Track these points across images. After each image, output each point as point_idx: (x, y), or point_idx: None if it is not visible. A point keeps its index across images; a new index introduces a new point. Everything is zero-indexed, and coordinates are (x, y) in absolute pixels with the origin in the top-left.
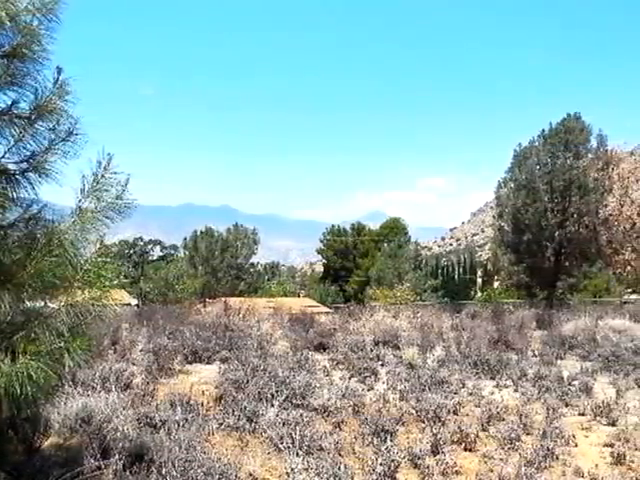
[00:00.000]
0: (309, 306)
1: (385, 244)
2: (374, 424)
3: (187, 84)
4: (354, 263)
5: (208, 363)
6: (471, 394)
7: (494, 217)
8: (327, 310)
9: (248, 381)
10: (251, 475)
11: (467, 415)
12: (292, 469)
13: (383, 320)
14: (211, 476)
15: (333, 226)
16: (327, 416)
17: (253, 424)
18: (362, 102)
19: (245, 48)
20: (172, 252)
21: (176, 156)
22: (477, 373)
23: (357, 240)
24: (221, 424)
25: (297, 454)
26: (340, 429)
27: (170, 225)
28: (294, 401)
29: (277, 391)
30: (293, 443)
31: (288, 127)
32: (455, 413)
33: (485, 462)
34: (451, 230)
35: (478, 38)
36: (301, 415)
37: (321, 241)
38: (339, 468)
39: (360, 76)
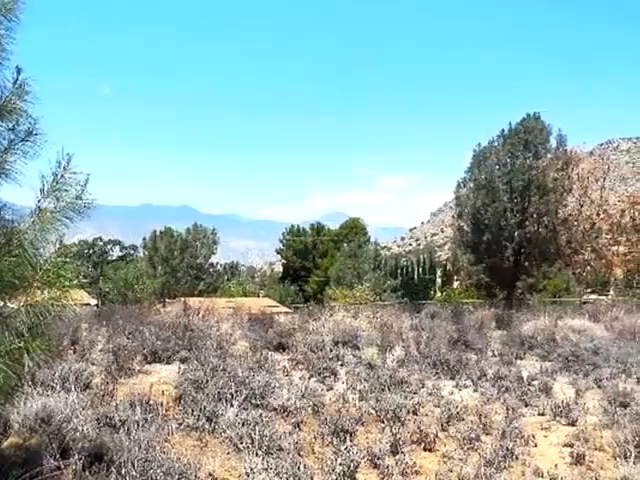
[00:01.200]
0: (269, 306)
1: (345, 244)
2: (333, 424)
3: (145, 83)
4: (314, 263)
5: (168, 363)
6: (431, 394)
7: (454, 217)
8: (287, 310)
9: (207, 381)
10: (210, 475)
11: (427, 415)
12: (251, 469)
13: (343, 320)
14: (170, 476)
15: (292, 226)
16: (286, 416)
17: (212, 424)
18: (321, 102)
19: (202, 48)
20: (131, 252)
21: (136, 156)
22: (437, 373)
23: (317, 240)
24: (180, 424)
25: (256, 454)
26: (299, 429)
27: (130, 225)
28: (253, 401)
29: (236, 391)
30: (252, 443)
31: (246, 127)
32: (415, 413)
33: (445, 462)
34: (411, 230)
35: (430, 38)
36: (260, 415)
37: (280, 241)
38: (298, 468)
39: (318, 76)
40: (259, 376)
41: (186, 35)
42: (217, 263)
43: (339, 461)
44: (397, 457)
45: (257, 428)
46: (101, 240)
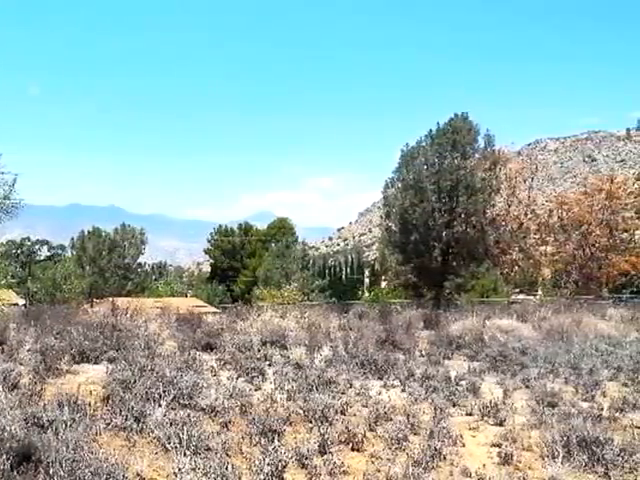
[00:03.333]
0: (196, 306)
1: (272, 244)
2: (261, 424)
3: (74, 83)
4: (241, 263)
5: (95, 363)
6: (358, 394)
7: (382, 217)
8: (214, 310)
9: (135, 381)
10: (138, 475)
11: (354, 415)
12: (179, 469)
13: (270, 320)
14: (98, 476)
15: (220, 226)
16: (214, 416)
17: (140, 424)
18: (243, 103)
19: (131, 47)
20: (60, 252)
21: (64, 156)
22: (364, 373)
23: (244, 240)
24: (108, 424)
25: (184, 454)
26: (227, 429)
27: (58, 225)
28: (181, 401)
29: (164, 391)
30: (180, 443)
31: (172, 127)
32: (343, 413)
33: (372, 462)
34: (339, 230)
35: (362, 38)
36: (188, 415)
37: (208, 241)
38: (226, 468)
39: (248, 75)
40: (187, 376)
41: (117, 33)
42: (145, 263)
43: (267, 461)
44: (325, 457)
45: (185, 428)
46: (29, 240)
